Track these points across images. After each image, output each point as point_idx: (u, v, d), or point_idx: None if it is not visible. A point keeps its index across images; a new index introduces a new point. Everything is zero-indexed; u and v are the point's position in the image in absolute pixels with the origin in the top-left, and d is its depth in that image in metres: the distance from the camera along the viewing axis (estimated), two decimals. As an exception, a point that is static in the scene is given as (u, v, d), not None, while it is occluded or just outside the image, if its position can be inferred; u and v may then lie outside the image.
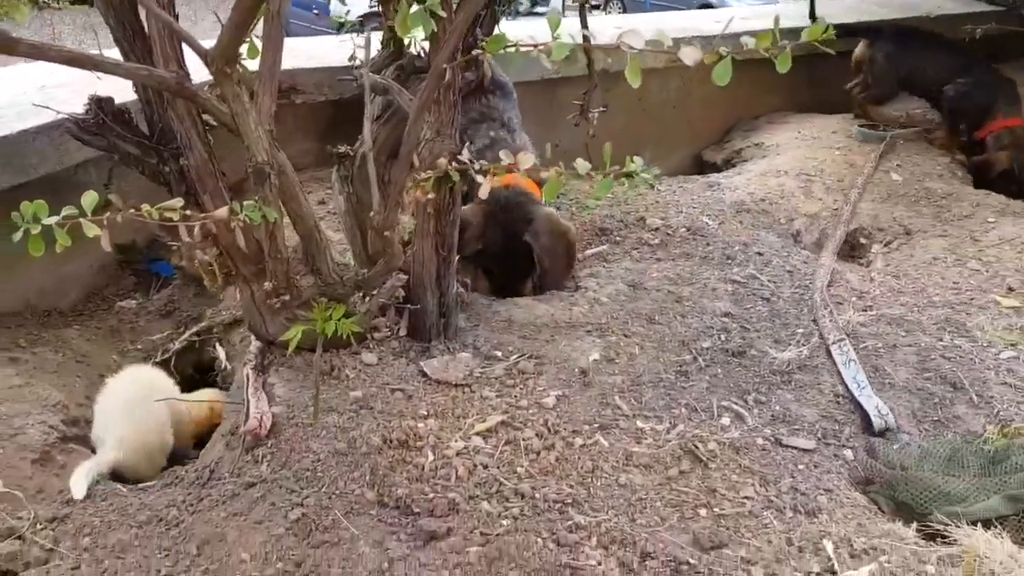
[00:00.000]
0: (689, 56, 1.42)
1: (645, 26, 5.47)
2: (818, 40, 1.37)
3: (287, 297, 2.09)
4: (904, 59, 4.77)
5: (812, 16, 4.83)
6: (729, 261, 3.34)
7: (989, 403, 2.47)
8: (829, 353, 2.71)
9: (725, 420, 2.40)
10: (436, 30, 1.63)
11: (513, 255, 3.15)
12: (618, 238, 3.57)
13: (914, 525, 2.02)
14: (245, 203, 1.71)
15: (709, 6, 18.84)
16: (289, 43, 5.00)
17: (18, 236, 1.45)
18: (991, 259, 3.37)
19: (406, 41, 2.88)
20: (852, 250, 3.82)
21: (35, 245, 1.44)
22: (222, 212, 1.57)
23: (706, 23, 5.50)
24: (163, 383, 2.58)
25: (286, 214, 2.00)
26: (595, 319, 2.90)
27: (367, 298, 2.46)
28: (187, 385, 2.89)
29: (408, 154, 1.85)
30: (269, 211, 1.76)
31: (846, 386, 2.56)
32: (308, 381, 2.40)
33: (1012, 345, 2.75)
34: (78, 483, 2.14)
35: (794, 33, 1.42)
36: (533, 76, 4.18)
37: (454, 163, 1.72)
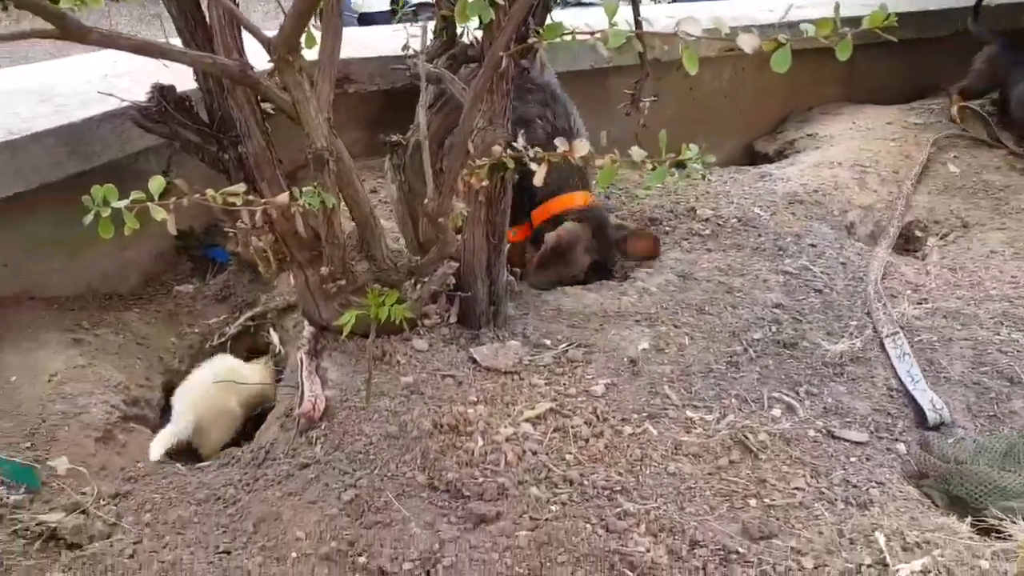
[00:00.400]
0: (747, 43, 1.41)
1: (699, 14, 5.42)
2: (880, 27, 1.35)
3: (343, 282, 2.13)
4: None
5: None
6: (781, 252, 3.31)
7: (1047, 398, 2.42)
8: (882, 346, 2.68)
9: (776, 411, 2.39)
10: (493, 19, 1.64)
11: (603, 266, 3.28)
12: (668, 228, 3.55)
13: (968, 519, 2.00)
14: (304, 189, 1.75)
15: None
16: (342, 32, 5.05)
17: (88, 219, 1.50)
18: (1052, 253, 3.29)
19: (459, 30, 2.90)
20: (907, 243, 3.76)
21: (105, 228, 1.49)
22: (283, 198, 1.61)
23: (760, 12, 5.41)
24: (243, 370, 2.73)
25: (343, 200, 2.03)
26: (644, 309, 2.90)
27: (419, 285, 2.49)
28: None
29: (463, 142, 1.87)
30: (328, 197, 1.79)
31: (899, 379, 2.53)
32: (360, 366, 2.44)
33: (1073, 340, 2.69)
34: (156, 446, 2.31)
35: (852, 22, 1.40)
36: (584, 65, 4.17)
37: (508, 151, 1.73)
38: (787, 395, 2.46)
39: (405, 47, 3.02)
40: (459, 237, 2.61)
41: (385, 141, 2.73)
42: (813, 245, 3.34)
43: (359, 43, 4.07)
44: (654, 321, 2.82)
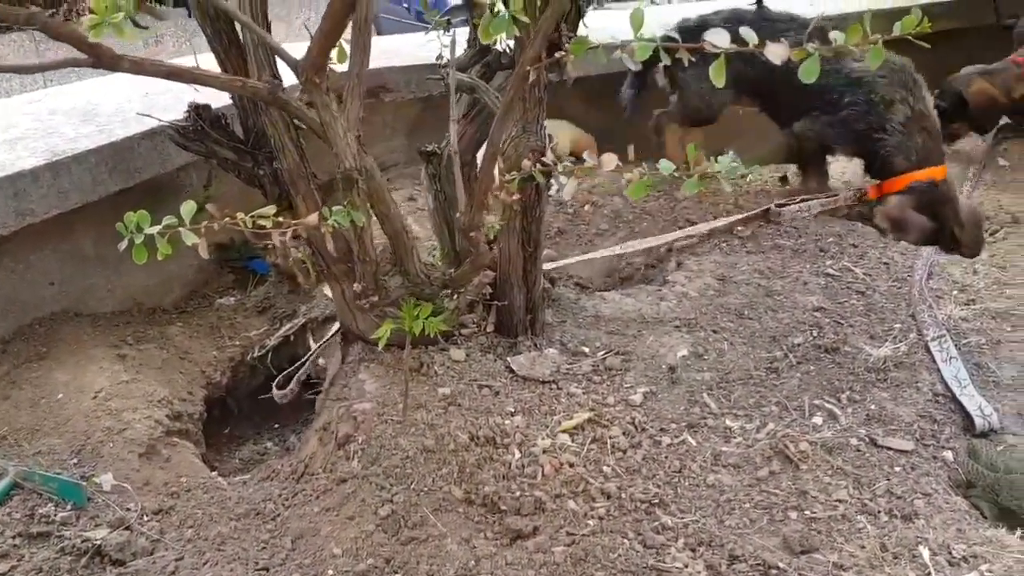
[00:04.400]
0: (776, 54, 1.38)
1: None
2: (912, 34, 1.32)
3: (375, 298, 2.14)
4: None
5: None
6: (822, 253, 3.25)
7: (1102, 403, 2.34)
8: (928, 350, 2.62)
9: (817, 419, 2.34)
10: (519, 33, 1.63)
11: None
12: (707, 230, 3.51)
13: (1019, 532, 1.94)
14: (334, 208, 1.76)
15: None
16: (377, 42, 5.09)
17: (123, 246, 1.52)
18: (1106, 248, 3.18)
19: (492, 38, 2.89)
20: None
21: (139, 254, 1.51)
22: (312, 218, 1.62)
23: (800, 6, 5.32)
24: None
25: (374, 216, 2.04)
26: (683, 314, 2.87)
27: (455, 295, 2.49)
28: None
29: (492, 156, 1.86)
30: (357, 215, 1.80)
31: (946, 384, 2.46)
32: (398, 377, 2.45)
33: None
34: None
35: (886, 18, 1.37)
36: (616, 67, 4.13)
37: (538, 163, 1.72)
38: (829, 402, 2.41)
39: (438, 57, 3.03)
40: (494, 247, 2.62)
41: (421, 151, 2.74)
42: (855, 245, 3.28)
43: (394, 52, 4.10)
44: (693, 327, 2.79)
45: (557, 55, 1.61)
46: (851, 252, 3.24)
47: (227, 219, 1.48)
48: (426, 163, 2.76)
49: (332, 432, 2.33)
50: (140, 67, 1.63)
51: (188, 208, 1.51)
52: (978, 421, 2.31)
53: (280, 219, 1.57)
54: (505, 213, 2.50)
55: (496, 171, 2.05)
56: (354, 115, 1.83)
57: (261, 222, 1.53)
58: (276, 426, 3.14)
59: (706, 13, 3.97)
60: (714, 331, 2.77)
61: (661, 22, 3.94)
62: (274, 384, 2.75)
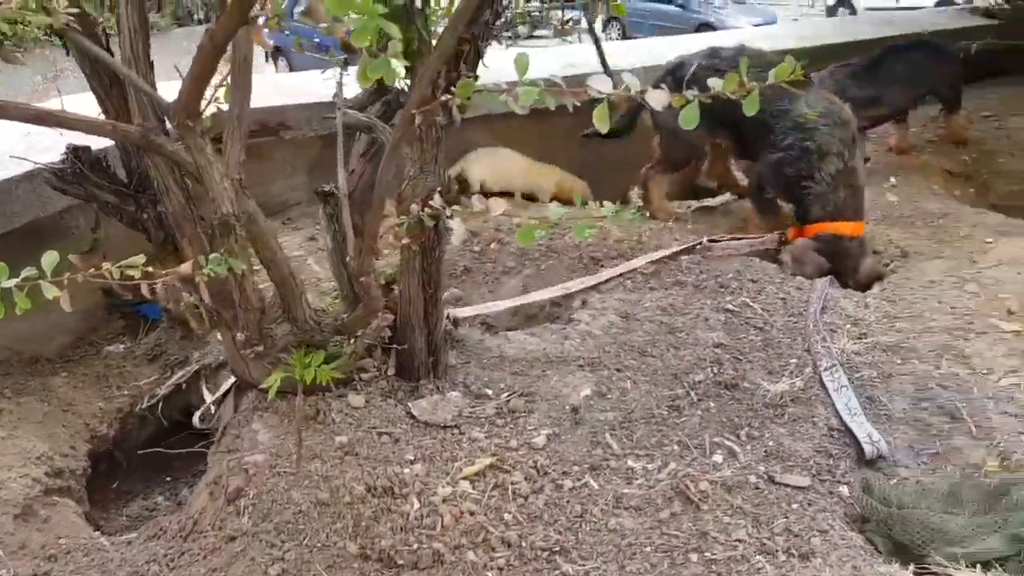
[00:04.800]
0: (657, 100, 1.39)
1: (636, 53, 5.47)
2: (787, 80, 1.34)
3: (260, 348, 2.06)
4: None
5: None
6: (722, 289, 3.30)
7: (989, 434, 2.41)
8: (823, 383, 2.66)
9: (718, 457, 2.35)
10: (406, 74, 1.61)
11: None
12: (608, 267, 3.52)
13: (911, 567, 1.97)
14: (211, 255, 1.68)
15: (710, 27, 18.96)
16: (278, 79, 5.01)
17: (-22, 300, 1.42)
18: (989, 281, 3.31)
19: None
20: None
21: (-2, 308, 1.41)
22: (185, 267, 1.54)
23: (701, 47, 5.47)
24: None
25: (259, 261, 1.97)
26: (587, 353, 2.86)
27: (352, 340, 2.42)
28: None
29: (380, 200, 1.82)
30: (236, 263, 1.73)
31: (840, 416, 2.51)
32: (293, 427, 2.36)
33: (1012, 371, 2.69)
34: None
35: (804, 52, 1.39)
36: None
37: (426, 208, 1.69)
38: (729, 439, 2.42)
39: (335, 95, 2.98)
40: (395, 288, 2.56)
41: (318, 191, 2.68)
42: (754, 281, 3.34)
43: (295, 89, 4.04)
44: (596, 366, 2.78)
45: (444, 98, 1.58)
46: (750, 288, 3.30)
47: (91, 271, 1.40)
48: (324, 203, 2.69)
49: (222, 486, 2.23)
50: (4, 111, 1.54)
51: (50, 260, 1.42)
52: (867, 448, 2.36)
53: (150, 268, 1.49)
54: (404, 254, 2.46)
55: (385, 214, 2.01)
56: (234, 158, 1.77)
57: (130, 272, 1.45)
58: (168, 479, 3.00)
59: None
60: (617, 370, 2.76)
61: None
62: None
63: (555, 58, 5.21)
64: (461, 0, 1.55)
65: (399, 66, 1.52)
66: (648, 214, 4.14)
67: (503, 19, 2.98)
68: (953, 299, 3.19)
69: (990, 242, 3.70)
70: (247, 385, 2.53)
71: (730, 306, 3.15)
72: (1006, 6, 6.28)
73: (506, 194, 4.55)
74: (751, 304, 3.16)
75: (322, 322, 2.15)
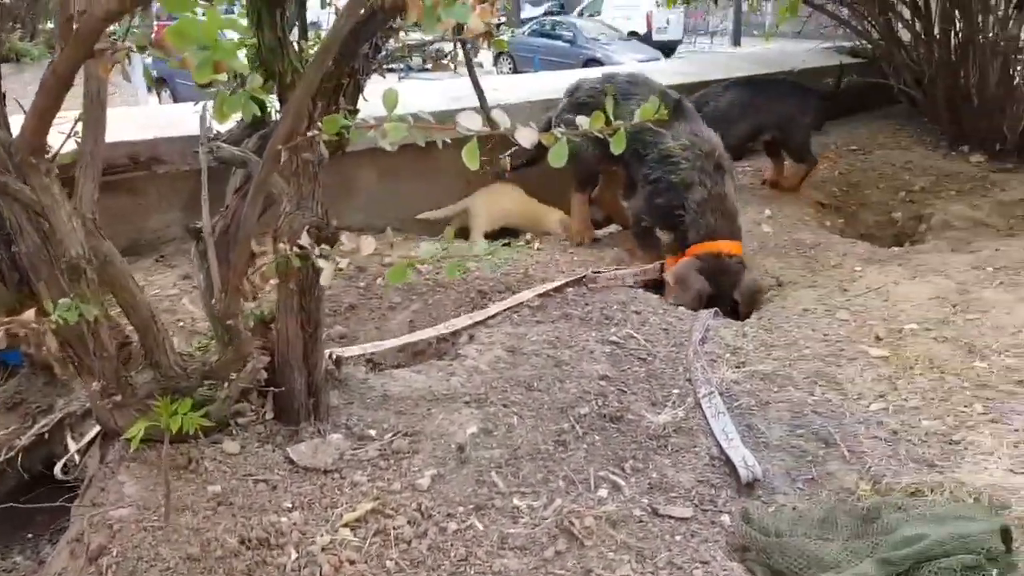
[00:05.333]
0: (525, 138, 1.38)
1: (525, 87, 5.53)
2: (652, 120, 1.35)
3: (119, 397, 1.94)
4: None
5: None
6: (607, 321, 3.33)
7: (860, 458, 2.49)
8: (701, 410, 2.71)
9: (602, 491, 2.35)
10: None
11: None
12: (496, 301, 3.51)
13: (790, 595, 2.00)
14: (60, 301, 1.58)
15: (597, 62, 19.48)
16: (150, 111, 4.84)
17: None
18: (859, 308, 3.45)
19: (268, 108, 2.79)
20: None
21: None
22: (28, 315, 1.44)
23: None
24: None
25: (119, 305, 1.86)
26: (473, 389, 2.83)
27: (226, 384, 2.32)
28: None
29: (245, 239, 1.75)
30: (87, 308, 1.63)
31: (719, 444, 2.55)
32: (162, 477, 2.23)
33: (881, 396, 2.80)
34: None
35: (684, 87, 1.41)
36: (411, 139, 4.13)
37: (295, 247, 1.63)
38: (613, 473, 2.43)
39: (207, 130, 2.88)
40: (273, 327, 2.48)
41: (189, 228, 2.57)
42: (637, 312, 3.39)
43: (167, 122, 3.90)
44: (483, 402, 2.75)
45: (310, 133, 1.53)
46: (634, 319, 3.34)
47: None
48: (196, 240, 2.59)
49: (85, 543, 2.08)
50: None
51: None
52: (742, 472, 2.41)
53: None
54: (281, 293, 2.38)
55: (264, 251, 1.94)
56: (88, 196, 1.67)
57: (-33, 321, 1.34)
58: (29, 536, 2.79)
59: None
60: (504, 405, 2.74)
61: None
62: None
63: (442, 91, 5.21)
64: (327, 34, 1.52)
65: (266, 100, 1.47)
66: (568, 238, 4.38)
67: (384, 52, 2.96)
68: (825, 327, 3.31)
69: (859, 270, 3.87)
70: (113, 434, 2.38)
71: (615, 338, 3.18)
72: (868, 46, 6.66)
73: (509, 231, 4.72)
74: (635, 335, 3.20)
75: (188, 367, 2.05)
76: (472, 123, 1.41)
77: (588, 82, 4.37)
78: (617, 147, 1.34)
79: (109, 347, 1.89)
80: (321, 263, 1.60)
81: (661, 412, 2.70)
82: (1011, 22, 5.73)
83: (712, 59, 13.94)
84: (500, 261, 1.51)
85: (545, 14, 29.22)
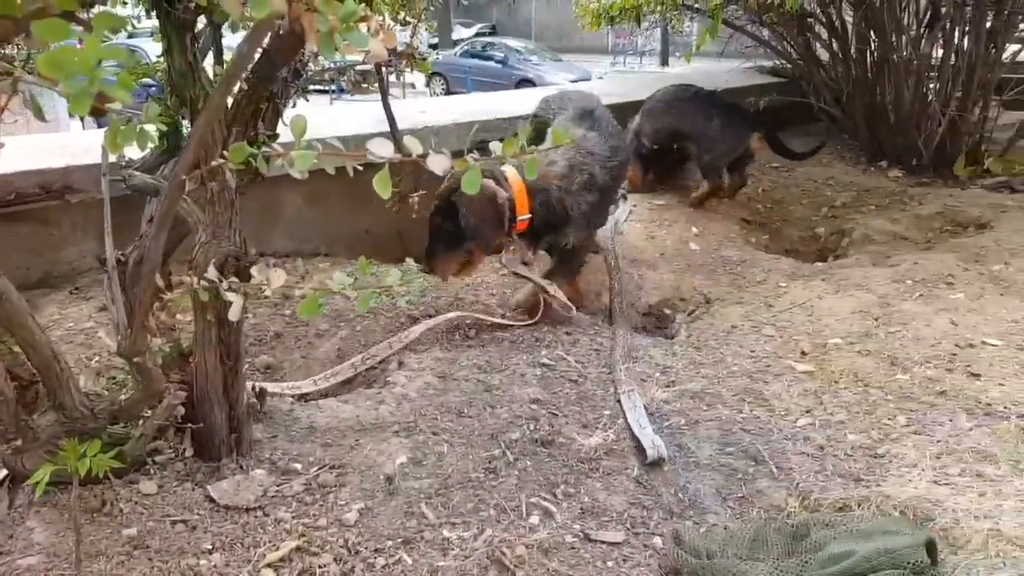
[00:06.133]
0: (438, 165, 1.35)
1: (455, 109, 5.51)
2: (559, 144, 1.33)
3: (18, 442, 1.84)
4: None
5: None
6: (538, 343, 3.31)
7: (789, 474, 2.51)
8: (633, 434, 2.70)
9: (534, 519, 2.31)
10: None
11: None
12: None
13: (722, 618, 1.99)
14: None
15: (530, 82, 19.66)
16: (66, 138, 4.68)
17: None
18: (785, 324, 3.50)
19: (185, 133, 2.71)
20: (659, 321, 3.90)
21: None
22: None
23: (513, 105, 5.58)
24: None
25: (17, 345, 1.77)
26: (403, 417, 2.78)
27: (141, 422, 2.23)
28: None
29: (151, 273, 1.68)
30: (-21, 351, 1.54)
31: (649, 465, 2.54)
32: (73, 522, 2.13)
33: (807, 412, 2.83)
34: None
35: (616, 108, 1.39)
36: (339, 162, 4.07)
37: (202, 280, 1.57)
38: (545, 499, 2.40)
39: (120, 157, 2.79)
40: (191, 360, 2.39)
41: (101, 259, 2.47)
42: (568, 333, 3.38)
43: (81, 149, 3.77)
44: (413, 430, 2.70)
45: (215, 162, 1.48)
46: (565, 340, 3.33)
47: None
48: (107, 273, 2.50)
49: (-11, 597, 1.97)
50: None
51: None
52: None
53: None
54: (198, 325, 2.30)
55: (156, 289, 1.86)
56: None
57: None
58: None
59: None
60: (434, 433, 2.69)
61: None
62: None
63: (373, 114, 5.16)
64: (231, 60, 1.47)
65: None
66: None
67: (303, 76, 2.90)
68: (752, 343, 3.35)
69: (783, 286, 3.93)
70: (22, 478, 2.26)
71: (546, 360, 3.16)
72: (788, 65, 6.83)
73: None
74: (566, 357, 3.19)
75: (96, 407, 1.96)
76: (383, 150, 1.37)
77: (553, 99, 4.15)
78: (469, 188, 1.33)
79: (6, 389, 1.79)
80: (231, 296, 1.54)
81: (592, 435, 2.68)
82: (923, 41, 5.93)
83: (640, 79, 14.14)
84: (415, 292, 1.47)
85: (477, 35, 29.44)
